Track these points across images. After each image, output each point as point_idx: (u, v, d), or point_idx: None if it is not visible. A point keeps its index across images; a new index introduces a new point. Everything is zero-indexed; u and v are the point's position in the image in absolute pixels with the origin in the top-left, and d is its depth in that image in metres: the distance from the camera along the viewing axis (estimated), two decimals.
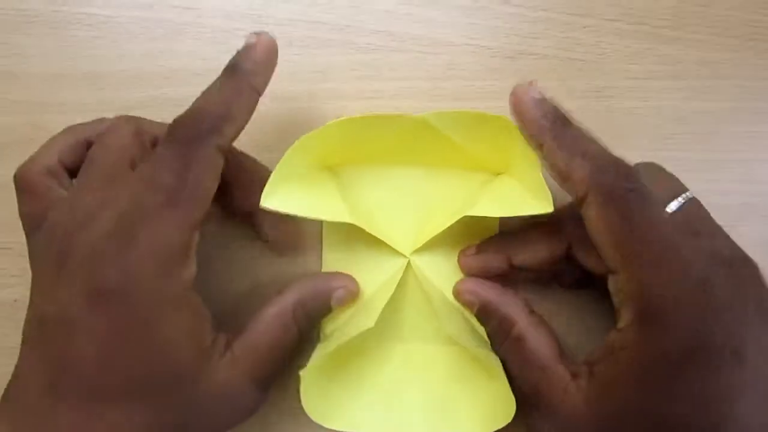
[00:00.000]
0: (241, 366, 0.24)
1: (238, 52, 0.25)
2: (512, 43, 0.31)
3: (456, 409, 0.28)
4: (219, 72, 0.31)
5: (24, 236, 0.30)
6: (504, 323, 0.27)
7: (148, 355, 0.22)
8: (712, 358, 0.21)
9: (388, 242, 0.29)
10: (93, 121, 0.27)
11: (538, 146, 0.25)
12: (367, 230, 0.28)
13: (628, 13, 0.32)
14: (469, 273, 0.29)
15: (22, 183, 0.25)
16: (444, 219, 0.28)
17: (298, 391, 0.26)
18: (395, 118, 0.26)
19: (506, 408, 0.26)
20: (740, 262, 0.23)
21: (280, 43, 0.31)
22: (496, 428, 0.26)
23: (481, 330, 0.29)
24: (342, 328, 0.29)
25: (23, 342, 0.23)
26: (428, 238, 0.29)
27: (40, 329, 0.22)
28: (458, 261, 0.29)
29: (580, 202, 0.24)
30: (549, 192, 0.25)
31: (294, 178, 0.27)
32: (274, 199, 0.26)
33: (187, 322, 0.23)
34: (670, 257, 0.22)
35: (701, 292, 0.22)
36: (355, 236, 0.29)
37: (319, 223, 0.30)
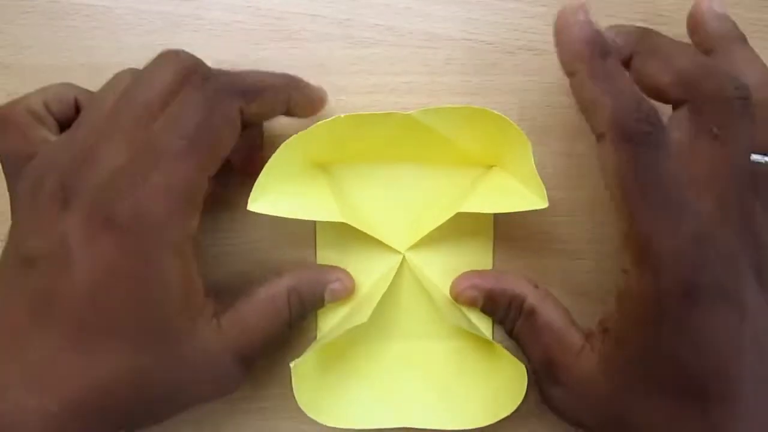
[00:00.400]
0: (225, 338, 0.24)
1: (302, 79, 0.27)
2: (512, 38, 0.31)
3: (456, 402, 0.28)
4: (218, 65, 0.30)
5: None
6: (514, 302, 0.27)
7: (142, 296, 0.22)
8: (708, 304, 0.21)
9: (381, 239, 0.29)
10: (87, 90, 0.27)
11: (570, 73, 0.24)
12: (360, 229, 0.28)
13: (628, 10, 0.31)
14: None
15: (4, 120, 0.25)
16: (438, 215, 0.28)
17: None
18: (383, 116, 0.26)
19: (510, 397, 0.26)
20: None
21: (278, 36, 0.31)
22: (499, 418, 0.26)
23: (483, 324, 0.29)
24: (338, 325, 0.29)
25: None
26: (422, 235, 0.29)
27: (24, 267, 0.22)
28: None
29: (598, 139, 0.23)
30: (543, 186, 0.25)
31: (283, 179, 0.27)
32: (263, 201, 0.26)
33: (183, 272, 0.23)
34: (670, 210, 0.22)
35: (695, 246, 0.21)
36: (349, 234, 0.29)
37: (312, 221, 0.30)
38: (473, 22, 0.31)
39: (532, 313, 0.27)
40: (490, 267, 0.30)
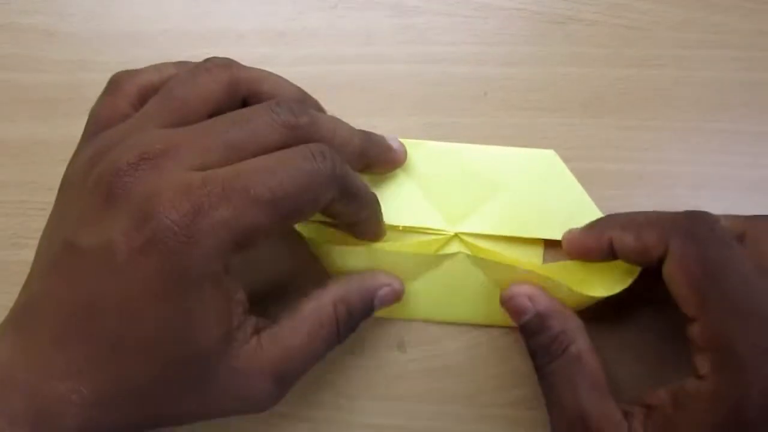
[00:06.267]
0: (263, 358, 0.23)
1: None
2: (561, 8, 0.31)
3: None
4: (262, 34, 0.30)
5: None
6: (561, 338, 0.25)
7: (177, 319, 0.21)
8: None
9: (434, 218, 0.29)
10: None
11: (609, 254, 0.25)
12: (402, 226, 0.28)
13: None
14: (569, 250, 0.27)
15: (115, 86, 0.25)
16: (498, 202, 0.29)
17: None
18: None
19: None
20: None
21: (324, 5, 0.31)
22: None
23: None
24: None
25: (44, 263, 0.22)
26: (478, 229, 0.29)
27: (69, 252, 0.21)
28: (562, 239, 0.27)
29: (659, 263, 0.23)
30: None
31: None
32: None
33: (221, 300, 0.22)
34: (751, 305, 0.21)
35: None
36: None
37: None
38: None
39: (577, 360, 0.24)
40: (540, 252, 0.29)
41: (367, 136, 0.26)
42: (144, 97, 0.25)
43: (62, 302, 0.21)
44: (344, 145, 0.24)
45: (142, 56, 0.30)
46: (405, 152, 0.28)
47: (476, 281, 0.28)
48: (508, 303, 0.26)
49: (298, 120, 0.22)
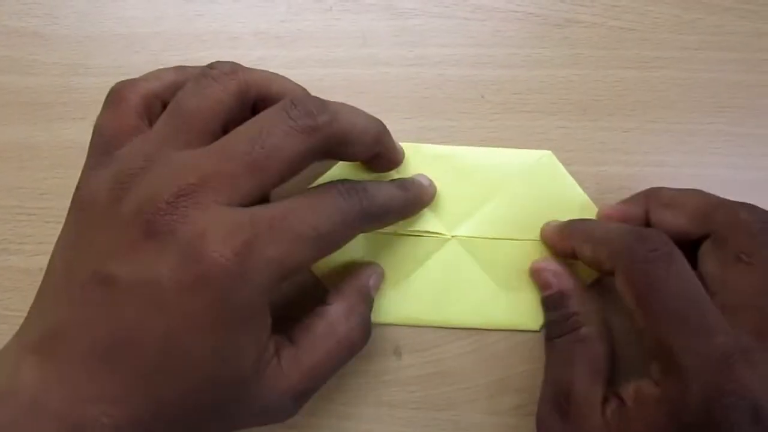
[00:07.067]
0: (285, 380, 0.23)
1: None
2: (560, 10, 0.30)
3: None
4: (257, 36, 0.30)
5: (47, 202, 0.29)
6: (575, 319, 0.26)
7: (218, 352, 0.21)
8: (734, 428, 0.21)
9: (431, 221, 0.28)
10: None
11: (572, 255, 0.26)
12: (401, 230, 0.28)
13: None
14: (545, 241, 0.28)
15: (117, 97, 0.24)
16: (496, 208, 0.29)
17: None
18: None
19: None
20: None
21: (319, 7, 0.30)
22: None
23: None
24: None
25: (69, 291, 0.21)
26: (476, 231, 0.28)
27: (102, 285, 0.21)
28: (599, 210, 0.28)
29: (612, 275, 0.24)
30: None
31: None
32: None
33: (259, 332, 0.22)
34: (687, 317, 0.22)
35: (722, 365, 0.21)
36: None
37: None
38: None
39: (583, 342, 0.26)
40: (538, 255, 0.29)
41: (383, 124, 0.25)
42: (149, 106, 0.24)
43: (97, 331, 0.21)
44: (363, 135, 0.24)
45: (135, 59, 0.30)
46: (403, 153, 0.28)
47: (471, 273, 0.28)
48: (535, 275, 0.28)
49: (317, 121, 0.22)
